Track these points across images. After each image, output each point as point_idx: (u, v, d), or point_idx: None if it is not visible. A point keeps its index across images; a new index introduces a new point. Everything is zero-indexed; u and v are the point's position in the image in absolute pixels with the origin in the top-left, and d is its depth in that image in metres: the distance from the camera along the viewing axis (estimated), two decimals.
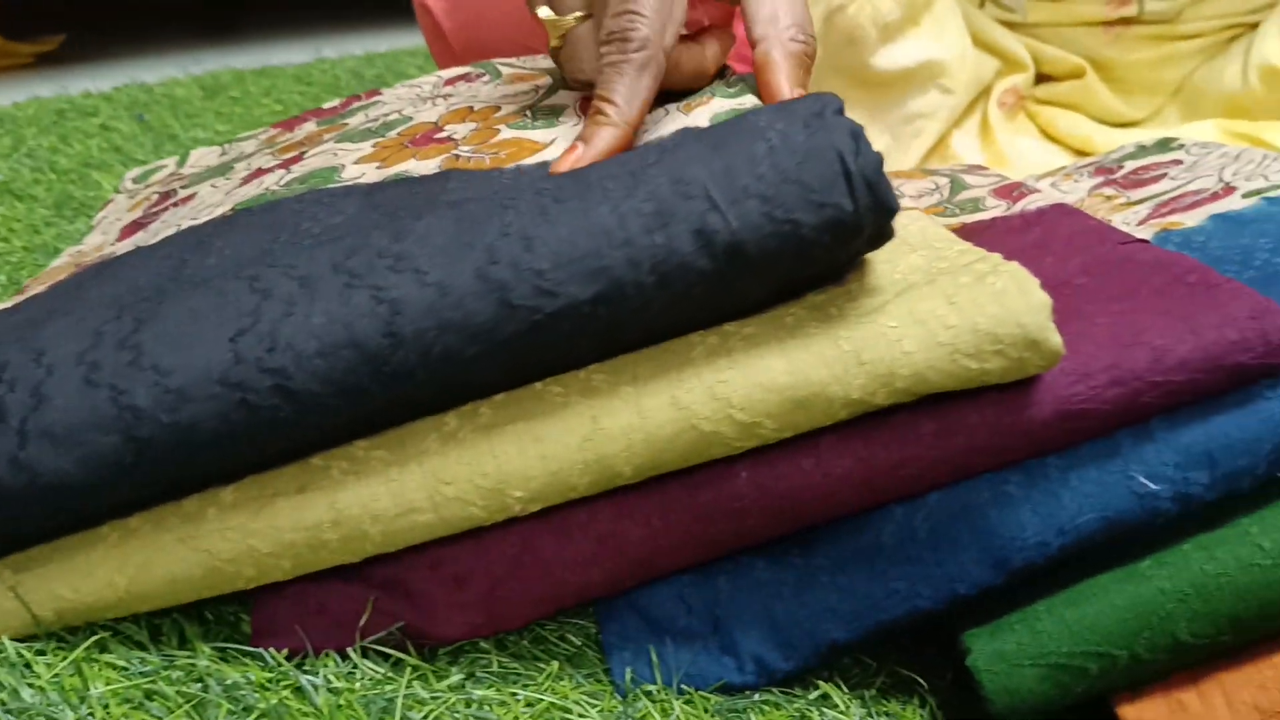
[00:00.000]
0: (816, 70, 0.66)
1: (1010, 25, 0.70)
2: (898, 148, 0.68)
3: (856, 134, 0.29)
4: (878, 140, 0.68)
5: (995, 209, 0.46)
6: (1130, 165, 0.51)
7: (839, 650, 0.33)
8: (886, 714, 0.33)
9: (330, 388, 0.28)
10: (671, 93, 0.41)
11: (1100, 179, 0.51)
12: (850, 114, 0.72)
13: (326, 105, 0.54)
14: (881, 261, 0.33)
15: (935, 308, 0.30)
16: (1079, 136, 0.70)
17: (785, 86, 0.36)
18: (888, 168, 0.64)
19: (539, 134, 0.39)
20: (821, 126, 0.29)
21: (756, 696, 0.33)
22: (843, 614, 0.33)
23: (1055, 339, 0.29)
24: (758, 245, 0.28)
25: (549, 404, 0.31)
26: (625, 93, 0.35)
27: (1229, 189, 0.43)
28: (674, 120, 0.37)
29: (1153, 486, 0.31)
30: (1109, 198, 0.48)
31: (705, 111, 0.37)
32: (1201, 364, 0.30)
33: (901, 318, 0.30)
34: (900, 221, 0.35)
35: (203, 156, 0.53)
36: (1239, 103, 0.68)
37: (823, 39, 0.64)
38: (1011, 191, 0.48)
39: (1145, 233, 0.42)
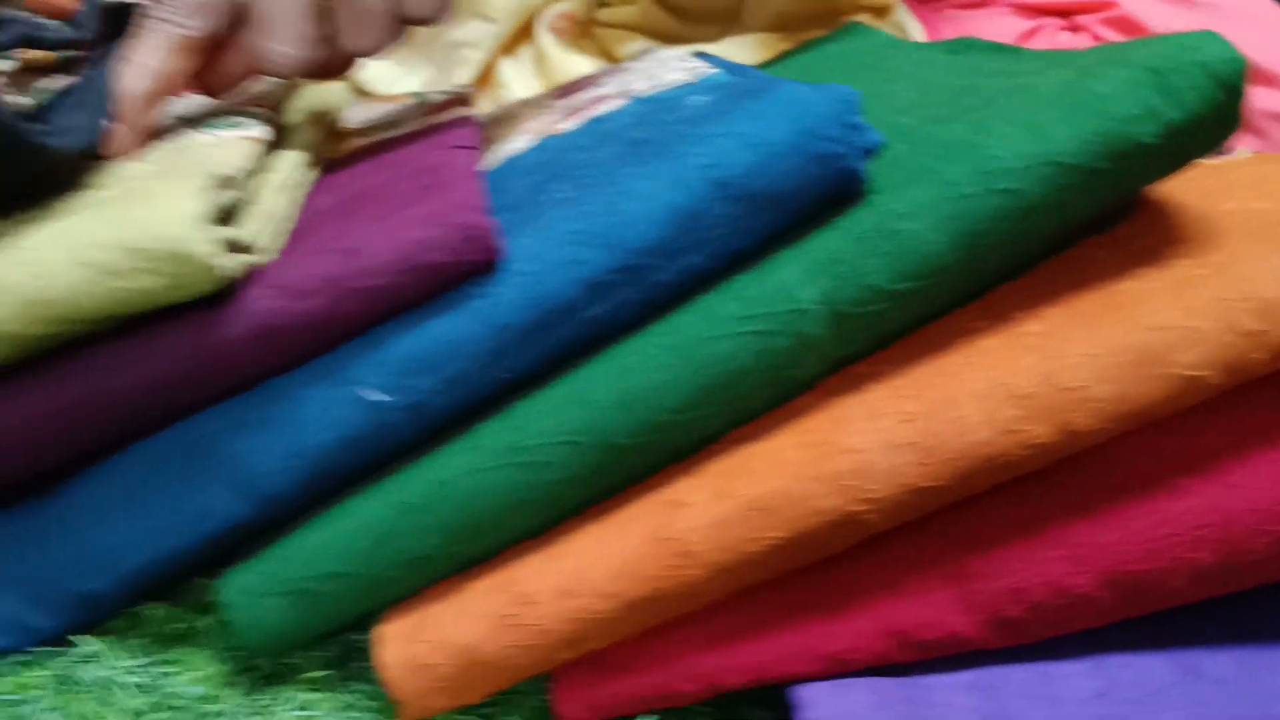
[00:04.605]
0: None
1: None
2: (443, 78, 0.66)
3: None
4: (421, 71, 0.66)
5: (412, 125, 0.45)
6: (589, 76, 0.50)
7: (104, 601, 0.31)
8: (172, 661, 0.32)
9: None
10: None
11: (559, 91, 0.50)
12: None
13: None
14: (109, 178, 0.30)
15: (88, 225, 0.27)
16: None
17: None
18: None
19: None
20: None
21: (16, 659, 0.31)
22: (94, 563, 0.31)
23: (204, 250, 0.27)
24: None
25: None
26: None
27: (623, 91, 0.42)
28: None
29: (379, 397, 0.29)
30: (544, 107, 0.47)
31: None
32: (397, 265, 0.29)
33: (47, 238, 0.27)
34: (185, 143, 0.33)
35: None
36: (782, 21, 0.69)
37: None
38: (443, 108, 0.47)
39: (531, 139, 0.41)
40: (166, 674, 0.31)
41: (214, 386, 0.30)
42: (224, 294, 0.28)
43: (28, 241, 0.27)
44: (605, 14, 0.71)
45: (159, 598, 0.33)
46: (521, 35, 0.69)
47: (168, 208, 0.27)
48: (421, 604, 0.31)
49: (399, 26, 0.36)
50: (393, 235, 0.29)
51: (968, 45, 0.43)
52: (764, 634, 0.30)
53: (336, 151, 0.43)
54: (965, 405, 0.28)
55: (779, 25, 0.69)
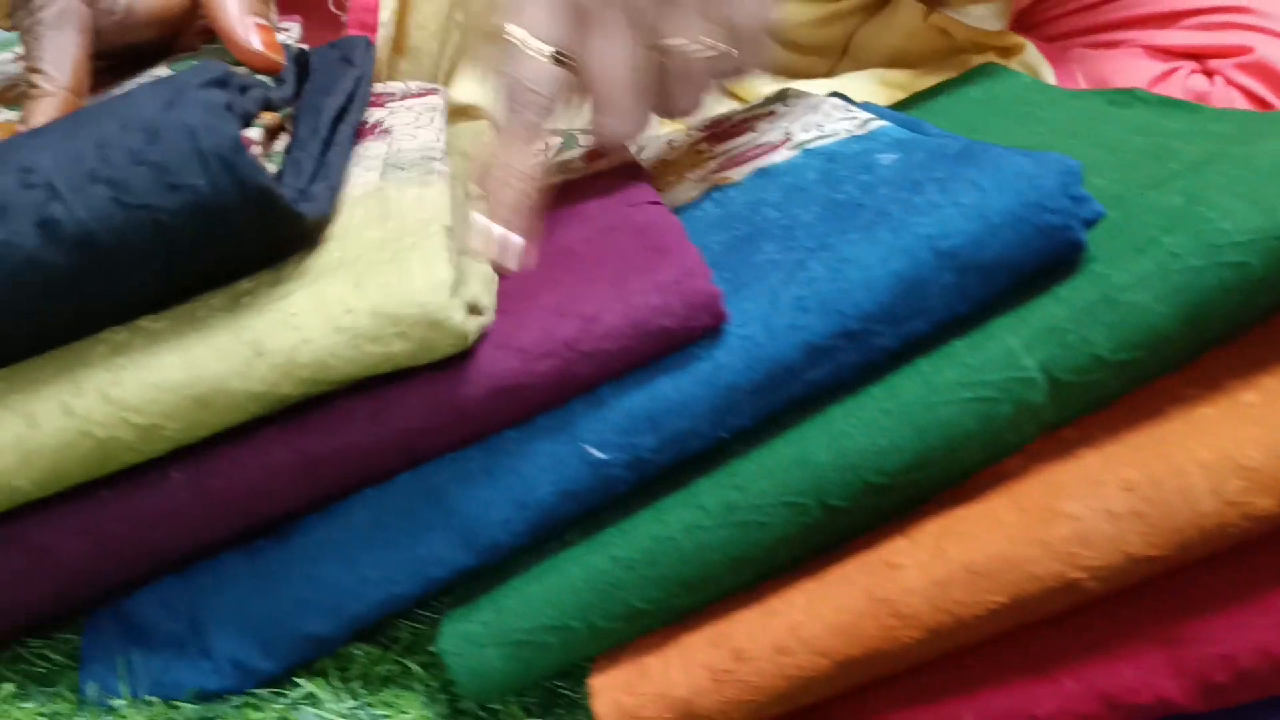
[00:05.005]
0: (477, 41, 0.65)
1: None
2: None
3: (213, 108, 0.27)
4: None
5: (580, 170, 0.46)
6: (736, 118, 0.51)
7: (324, 644, 0.32)
8: (383, 703, 0.33)
9: None
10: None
11: (706, 133, 0.51)
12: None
13: None
14: (332, 240, 0.31)
15: (341, 290, 0.28)
16: (756, 94, 0.70)
17: (233, 22, 0.34)
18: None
19: (11, 115, 0.36)
20: (180, 101, 0.27)
21: (237, 700, 0.32)
22: (318, 606, 0.32)
23: (456, 318, 0.28)
24: (111, 235, 0.26)
25: None
26: (50, 56, 0.33)
27: (786, 140, 0.43)
28: None
29: (602, 455, 0.30)
30: (700, 152, 0.48)
31: None
32: (629, 331, 0.29)
33: (305, 303, 0.28)
34: (403, 193, 0.34)
35: None
36: (896, 58, 0.70)
37: (466, 3, 0.62)
38: (604, 152, 0.47)
39: (698, 188, 0.42)
40: (379, 716, 0.32)
41: (446, 442, 0.30)
42: (461, 354, 0.29)
43: (287, 305, 0.28)
44: None
45: (364, 637, 0.34)
46: None
47: (422, 275, 0.28)
48: (633, 654, 0.31)
49: (720, 86, 0.38)
50: (628, 301, 0.29)
51: (1132, 97, 0.43)
52: (970, 694, 0.31)
53: None
54: (1192, 475, 0.28)
55: (893, 61, 0.70)
